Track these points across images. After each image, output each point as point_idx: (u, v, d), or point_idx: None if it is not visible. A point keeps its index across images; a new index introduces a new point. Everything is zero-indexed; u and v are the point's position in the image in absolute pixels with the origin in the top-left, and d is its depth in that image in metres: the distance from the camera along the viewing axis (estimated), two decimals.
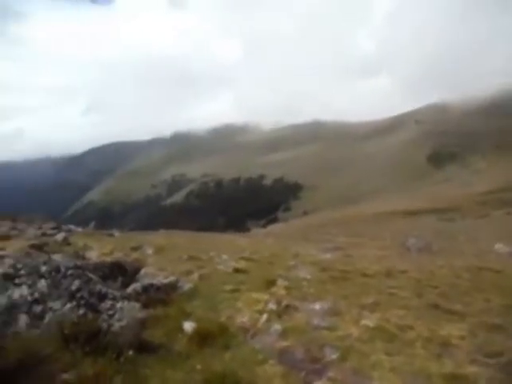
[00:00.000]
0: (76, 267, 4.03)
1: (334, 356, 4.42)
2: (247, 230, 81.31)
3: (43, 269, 3.82)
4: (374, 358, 4.38)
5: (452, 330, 5.52)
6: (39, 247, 10.27)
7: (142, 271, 7.00)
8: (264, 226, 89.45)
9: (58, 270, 3.87)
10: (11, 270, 3.67)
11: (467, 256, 15.27)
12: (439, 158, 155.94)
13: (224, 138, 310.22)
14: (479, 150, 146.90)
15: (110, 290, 4.12)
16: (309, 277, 8.93)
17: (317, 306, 6.31)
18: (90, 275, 4.12)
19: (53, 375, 3.13)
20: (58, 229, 19.43)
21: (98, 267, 5.46)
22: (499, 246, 17.61)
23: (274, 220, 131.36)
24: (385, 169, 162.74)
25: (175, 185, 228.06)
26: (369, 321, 5.53)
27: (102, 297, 3.97)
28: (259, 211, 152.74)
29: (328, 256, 13.97)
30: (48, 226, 19.88)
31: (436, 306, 6.79)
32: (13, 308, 3.55)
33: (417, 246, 19.11)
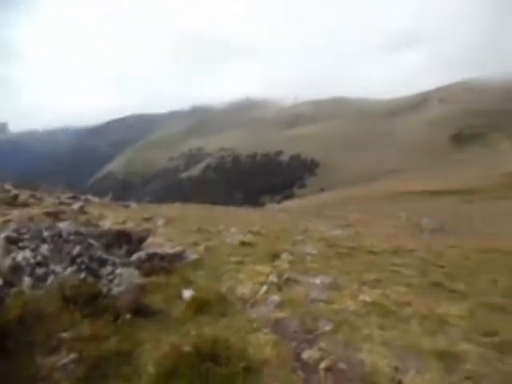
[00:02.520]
0: (77, 233, 4.17)
1: (328, 328, 4.51)
2: (262, 205, 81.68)
3: (46, 234, 3.97)
4: (367, 331, 4.45)
5: (451, 308, 5.51)
6: (54, 215, 10.61)
7: (148, 241, 7.18)
8: (279, 202, 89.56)
9: (60, 235, 4.02)
10: (15, 234, 3.84)
11: (480, 237, 15.03)
12: (462, 138, 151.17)
13: (243, 113, 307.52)
14: (504, 130, 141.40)
15: (110, 257, 4.27)
16: (314, 252, 9.00)
17: (317, 281, 6.39)
18: (91, 241, 4.26)
19: (52, 333, 3.31)
20: (75, 198, 19.98)
21: (103, 235, 5.63)
22: None
23: (290, 196, 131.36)
24: (406, 148, 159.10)
25: (193, 158, 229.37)
26: (367, 296, 5.58)
27: (102, 262, 4.12)
28: (275, 187, 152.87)
29: (337, 232, 13.99)
30: (66, 196, 20.46)
31: (439, 285, 6.78)
32: (17, 269, 3.73)
33: (430, 226, 18.90)
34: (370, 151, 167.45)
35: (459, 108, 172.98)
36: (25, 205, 13.67)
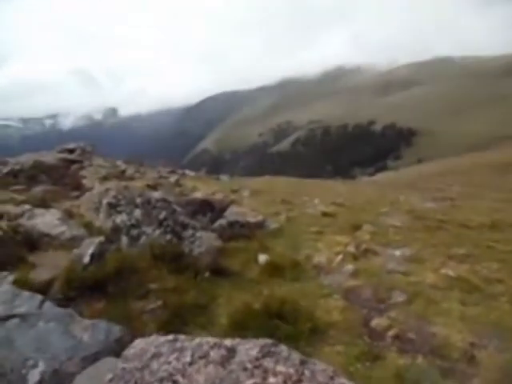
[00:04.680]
0: (164, 200, 4.70)
1: (401, 299, 4.40)
2: (353, 178, 79.03)
3: (138, 200, 4.56)
4: (445, 305, 4.23)
5: None
6: (153, 187, 11.85)
7: (232, 210, 7.64)
8: (372, 175, 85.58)
9: (149, 201, 4.58)
10: (114, 200, 4.49)
11: None
12: None
13: (334, 82, 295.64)
14: None
15: (191, 221, 4.73)
16: (399, 224, 8.61)
17: (397, 252, 6.18)
18: (175, 207, 4.76)
19: (142, 283, 3.87)
20: (173, 172, 21.89)
21: (189, 203, 6.18)
22: None
23: (383, 168, 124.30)
24: None
25: (282, 132, 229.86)
26: (451, 271, 5.23)
27: (185, 226, 4.59)
28: (367, 159, 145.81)
29: (430, 205, 13.03)
30: (165, 170, 22.52)
31: None
32: (116, 230, 4.38)
33: None
34: (478, 116, 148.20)
35: None
36: (131, 178, 15.45)
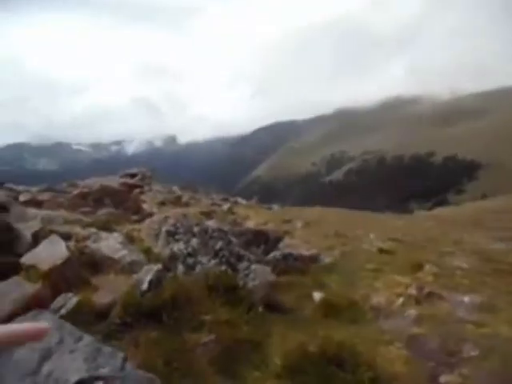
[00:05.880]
0: (220, 230, 4.73)
1: (474, 353, 3.94)
2: (409, 212, 75.28)
3: (195, 229, 4.63)
4: None
5: None
6: (207, 214, 12.11)
7: (285, 241, 7.52)
8: (430, 209, 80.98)
9: (206, 231, 4.63)
10: (172, 228, 4.59)
11: None
12: None
13: (390, 112, 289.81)
14: None
15: (246, 253, 4.68)
16: (465, 266, 7.91)
17: (466, 298, 5.62)
18: (231, 238, 4.76)
19: (196, 314, 3.84)
20: (226, 200, 22.34)
21: (244, 233, 6.18)
22: None
23: (443, 203, 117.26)
24: None
25: (335, 162, 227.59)
26: None
27: (240, 258, 4.56)
28: (425, 192, 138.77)
29: (499, 246, 11.90)
30: (218, 197, 23.06)
31: None
32: (173, 258, 4.45)
33: None
34: None
35: None
36: (186, 204, 15.97)
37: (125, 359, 1.76)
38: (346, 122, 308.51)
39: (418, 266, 7.72)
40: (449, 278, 7.00)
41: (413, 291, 5.97)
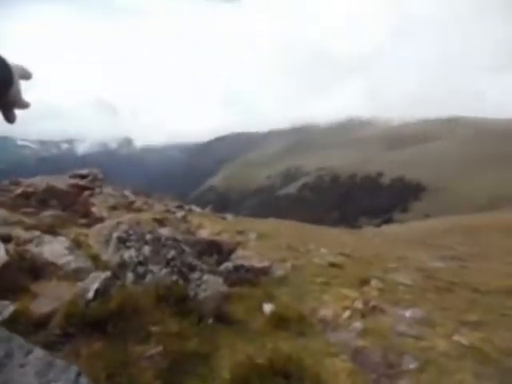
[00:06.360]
0: (173, 239, 4.63)
1: (412, 366, 4.15)
2: (359, 227, 78.44)
3: (148, 237, 4.50)
4: (459, 377, 3.97)
5: None
6: (160, 221, 11.82)
7: (238, 253, 7.52)
8: (378, 226, 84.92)
9: (159, 239, 4.51)
10: (124, 235, 4.43)
11: None
12: None
13: (345, 132, 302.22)
14: None
15: (199, 263, 4.62)
16: (408, 282, 8.36)
17: (407, 313, 5.93)
18: (184, 247, 4.68)
19: (144, 325, 3.71)
20: (180, 207, 21.93)
21: (197, 243, 6.10)
22: None
23: (390, 220, 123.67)
24: None
25: (290, 176, 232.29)
26: (464, 338, 4.97)
27: (192, 268, 4.49)
28: (374, 210, 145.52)
29: (440, 264, 12.74)
30: (173, 204, 22.58)
31: None
32: (123, 265, 4.29)
33: None
34: (486, 175, 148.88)
35: None
36: (139, 210, 15.48)
37: (78, 374, 1.65)
38: (302, 138, 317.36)
39: (365, 281, 8.04)
40: (392, 293, 7.35)
41: (359, 305, 6.19)
